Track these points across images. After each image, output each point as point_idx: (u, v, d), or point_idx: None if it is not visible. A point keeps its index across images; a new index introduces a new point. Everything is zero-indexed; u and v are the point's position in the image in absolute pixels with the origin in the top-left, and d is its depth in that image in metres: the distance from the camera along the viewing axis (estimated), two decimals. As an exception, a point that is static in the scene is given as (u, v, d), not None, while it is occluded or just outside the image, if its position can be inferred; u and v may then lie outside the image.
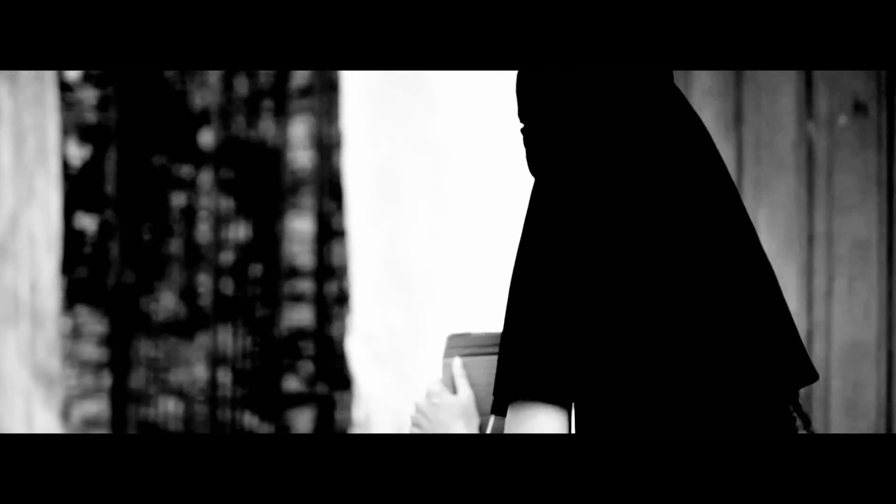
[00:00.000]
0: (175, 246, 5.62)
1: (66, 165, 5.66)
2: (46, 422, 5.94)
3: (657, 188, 1.61)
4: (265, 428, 5.50)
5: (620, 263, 1.57)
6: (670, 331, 1.57)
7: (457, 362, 1.85)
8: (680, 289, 1.58)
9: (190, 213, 5.61)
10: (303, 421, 5.53)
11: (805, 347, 1.71)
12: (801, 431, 1.70)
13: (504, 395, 1.58)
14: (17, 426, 6.36)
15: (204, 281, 5.57)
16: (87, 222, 5.66)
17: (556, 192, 1.60)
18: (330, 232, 5.43)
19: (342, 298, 5.42)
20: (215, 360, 5.54)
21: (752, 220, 2.76)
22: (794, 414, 1.70)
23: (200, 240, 5.59)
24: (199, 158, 5.57)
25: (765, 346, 1.61)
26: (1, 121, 6.37)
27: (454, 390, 1.84)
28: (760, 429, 1.62)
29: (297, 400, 5.53)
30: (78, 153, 5.64)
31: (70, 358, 5.67)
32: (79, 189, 5.68)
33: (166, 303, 5.59)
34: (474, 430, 1.78)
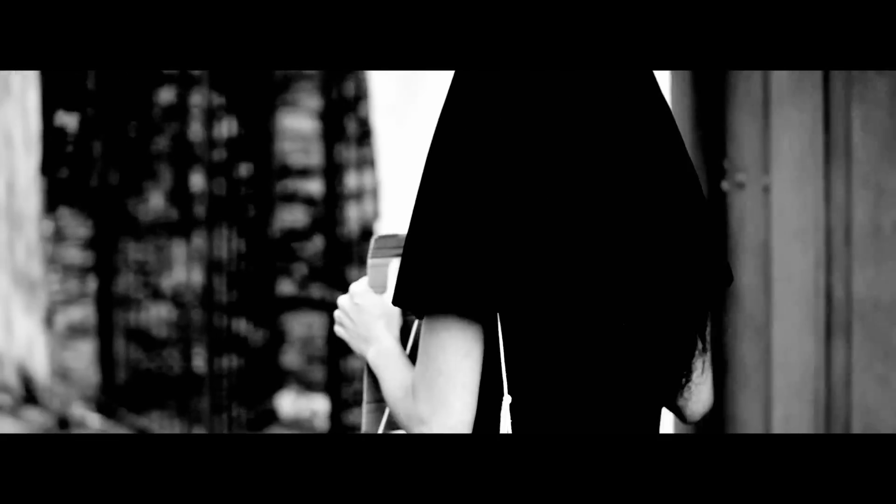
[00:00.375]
0: (162, 144, 5.46)
1: None
2: (28, 328, 5.78)
3: (574, 97, 1.59)
4: (259, 335, 5.39)
5: (534, 168, 1.56)
6: (584, 237, 1.57)
7: (395, 264, 1.85)
8: (593, 194, 1.58)
9: (177, 110, 5.42)
10: (298, 327, 5.41)
11: (724, 250, 1.69)
12: (699, 353, 1.69)
13: (417, 306, 1.59)
14: (-4, 333, 6.20)
15: (194, 181, 5.41)
16: (68, 120, 5.50)
17: (473, 87, 1.60)
18: (336, 132, 5.32)
19: (353, 197, 5.30)
20: (207, 264, 5.38)
21: (846, 120, 2.59)
22: (698, 336, 1.69)
23: (189, 138, 5.41)
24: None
25: (682, 250, 1.62)
26: None
27: (383, 291, 1.85)
28: (668, 343, 1.64)
29: (292, 304, 5.41)
30: None
31: (53, 262, 5.53)
32: (58, 86, 5.52)
33: (154, 204, 5.44)
34: (395, 331, 1.78)
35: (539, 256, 1.56)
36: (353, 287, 1.82)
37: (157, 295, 5.43)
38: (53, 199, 5.53)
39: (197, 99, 5.41)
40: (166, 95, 5.46)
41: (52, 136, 5.50)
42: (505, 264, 1.55)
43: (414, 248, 1.59)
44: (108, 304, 5.54)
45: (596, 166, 1.58)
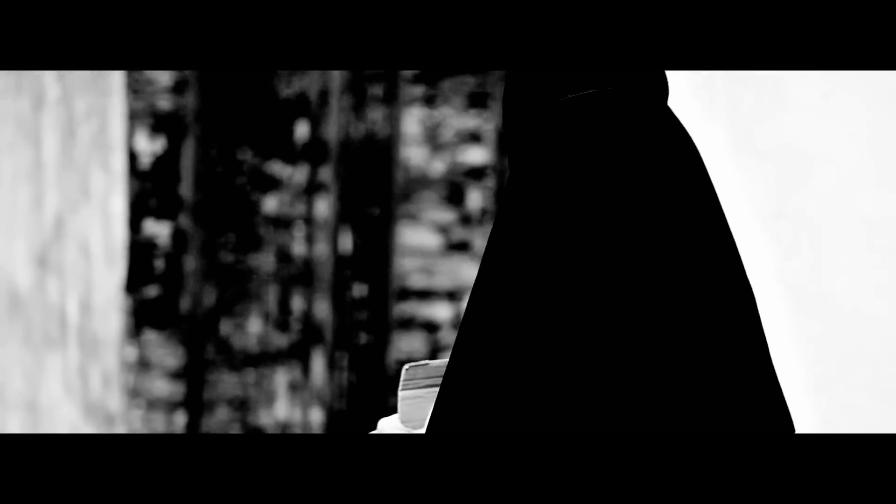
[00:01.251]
0: (264, 260, 5.03)
1: (132, 161, 5.09)
2: (103, 469, 5.15)
3: (637, 213, 1.59)
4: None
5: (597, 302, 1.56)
6: (641, 384, 1.55)
7: (429, 395, 1.83)
8: (653, 328, 1.57)
9: (283, 221, 4.99)
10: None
11: (784, 398, 1.66)
12: None
13: None
14: (63, 472, 5.59)
15: (298, 303, 4.97)
16: (158, 230, 5.06)
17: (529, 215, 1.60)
18: (461, 248, 4.94)
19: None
20: (314, 399, 4.97)
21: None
22: None
23: (295, 253, 4.99)
24: (294, 154, 4.96)
25: (741, 398, 1.60)
26: (43, 107, 5.66)
27: (418, 426, 1.84)
28: None
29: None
30: (147, 146, 5.00)
31: (136, 395, 5.10)
32: (148, 190, 5.09)
33: (253, 329, 5.00)
34: None
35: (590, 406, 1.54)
36: (382, 423, 1.80)
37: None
38: (139, 321, 5.09)
39: (306, 209, 4.96)
40: (268, 204, 5.07)
41: (138, 249, 5.09)
42: (559, 414, 1.54)
43: (455, 378, 1.57)
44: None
45: (647, 305, 1.56)
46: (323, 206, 4.92)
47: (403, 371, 1.83)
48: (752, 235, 2.73)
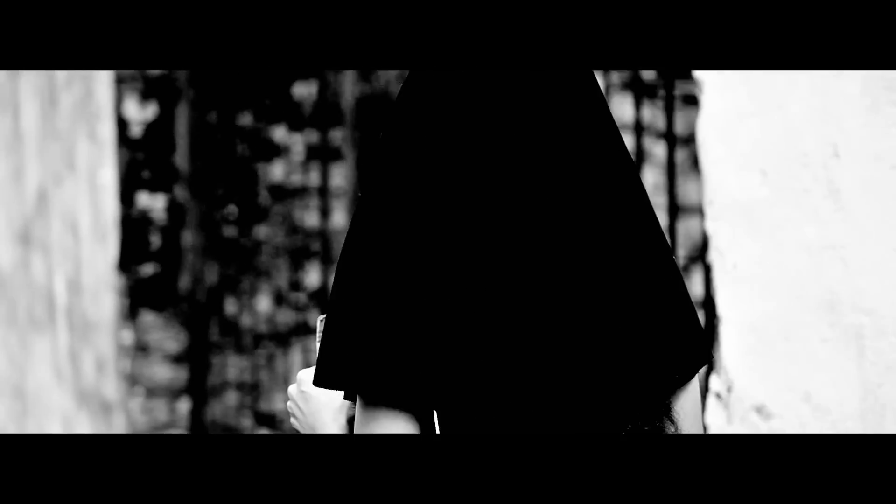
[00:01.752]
0: (268, 233, 4.80)
1: (121, 129, 4.89)
2: (101, 461, 4.86)
3: (521, 162, 1.56)
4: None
5: (471, 244, 1.54)
6: (530, 323, 1.55)
7: None
8: (543, 272, 1.55)
9: (290, 191, 4.77)
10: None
11: (700, 325, 1.61)
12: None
13: (338, 388, 1.58)
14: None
15: (308, 279, 4.74)
16: (153, 203, 4.82)
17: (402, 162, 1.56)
18: None
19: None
20: None
21: None
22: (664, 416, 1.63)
23: (303, 224, 4.77)
24: (297, 118, 4.71)
25: (648, 331, 1.57)
26: (20, 73, 5.32)
27: None
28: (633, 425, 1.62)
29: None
30: (137, 113, 4.76)
31: (134, 381, 4.87)
32: (140, 161, 4.84)
33: (259, 307, 4.77)
34: (342, 419, 1.73)
35: (482, 339, 1.53)
36: (301, 374, 1.78)
37: (264, 421, 4.76)
38: (134, 301, 4.86)
39: (306, 175, 4.75)
40: (271, 172, 4.85)
41: (131, 224, 4.87)
42: (447, 352, 1.52)
43: (338, 319, 1.55)
44: (205, 431, 4.96)
45: (540, 241, 1.54)
46: (337, 174, 4.68)
47: (318, 322, 1.79)
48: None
